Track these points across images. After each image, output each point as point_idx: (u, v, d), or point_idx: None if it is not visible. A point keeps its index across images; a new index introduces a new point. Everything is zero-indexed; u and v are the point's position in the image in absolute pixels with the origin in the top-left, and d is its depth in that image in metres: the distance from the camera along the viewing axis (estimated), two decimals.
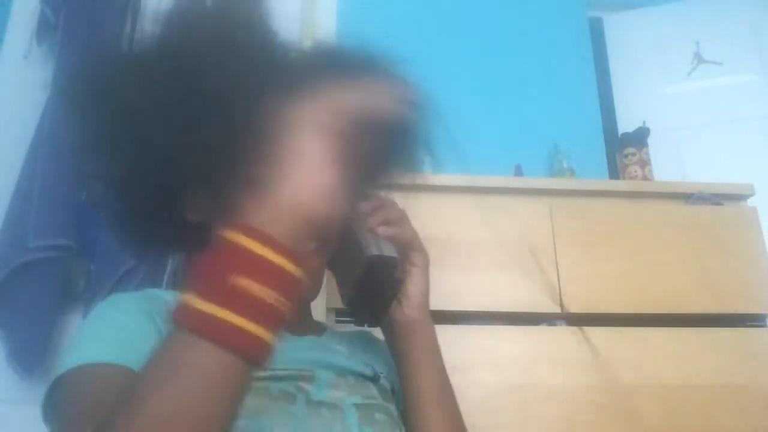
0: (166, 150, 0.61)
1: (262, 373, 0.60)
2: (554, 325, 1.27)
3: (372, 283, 0.68)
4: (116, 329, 0.60)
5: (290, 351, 0.66)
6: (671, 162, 2.18)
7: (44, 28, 1.57)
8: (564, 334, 1.25)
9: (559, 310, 1.27)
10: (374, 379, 0.73)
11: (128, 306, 0.63)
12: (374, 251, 0.67)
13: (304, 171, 0.44)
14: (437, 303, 1.27)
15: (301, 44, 0.72)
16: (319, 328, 0.81)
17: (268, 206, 0.43)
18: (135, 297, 0.67)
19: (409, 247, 0.73)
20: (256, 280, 0.40)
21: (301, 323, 0.77)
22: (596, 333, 1.25)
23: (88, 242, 1.39)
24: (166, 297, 0.68)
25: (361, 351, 0.78)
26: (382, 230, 0.69)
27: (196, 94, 0.59)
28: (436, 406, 0.71)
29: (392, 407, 0.71)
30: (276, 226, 0.42)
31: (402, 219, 0.72)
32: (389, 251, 0.68)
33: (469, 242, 1.29)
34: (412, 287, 0.73)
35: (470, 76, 2.04)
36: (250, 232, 0.41)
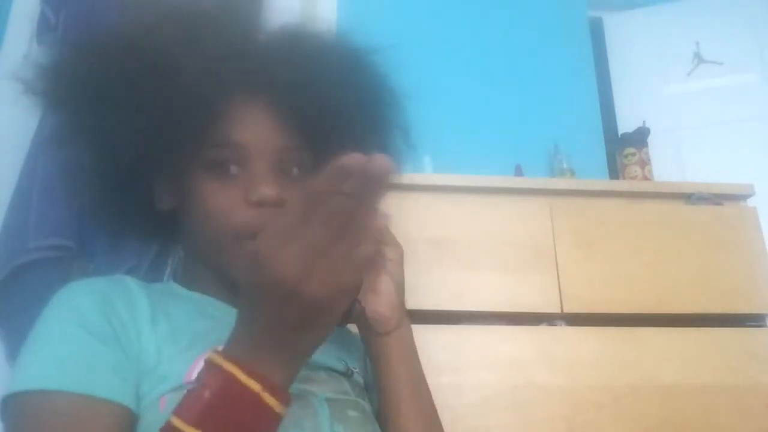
0: (131, 136, 0.63)
1: None
2: (554, 325, 1.27)
3: None
4: (77, 346, 0.57)
5: None
6: (671, 162, 2.18)
7: (44, 28, 1.57)
8: (564, 334, 1.25)
9: (559, 310, 1.27)
10: (347, 375, 0.70)
11: (85, 310, 0.59)
12: None
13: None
14: (437, 303, 1.28)
15: (272, 27, 0.72)
16: None
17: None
18: (93, 291, 0.63)
19: (381, 242, 0.69)
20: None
21: None
22: (596, 333, 1.25)
23: (88, 242, 1.39)
24: (132, 285, 0.65)
25: (335, 345, 0.74)
26: None
27: (156, 77, 0.62)
28: (410, 407, 0.68)
29: (365, 403, 0.69)
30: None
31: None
32: None
33: (469, 242, 1.29)
34: (383, 284, 0.68)
35: (470, 76, 2.04)
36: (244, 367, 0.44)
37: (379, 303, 0.68)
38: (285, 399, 0.45)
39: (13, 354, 1.34)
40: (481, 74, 2.06)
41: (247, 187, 0.64)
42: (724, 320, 1.30)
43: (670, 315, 1.29)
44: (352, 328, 0.75)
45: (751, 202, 1.45)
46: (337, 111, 0.69)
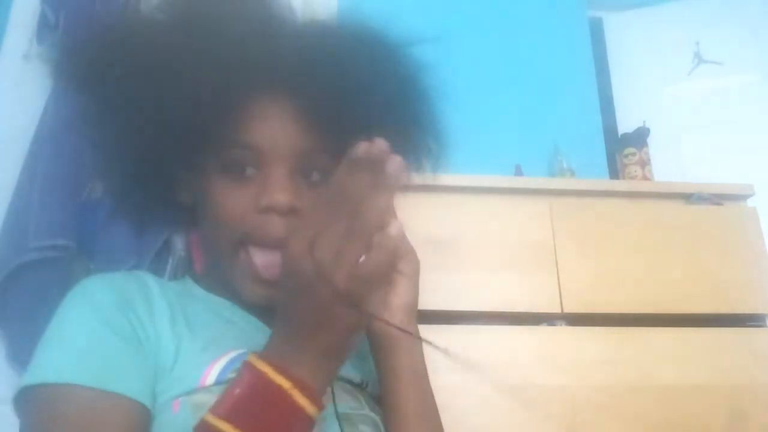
0: (150, 130, 0.62)
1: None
2: (554, 325, 1.27)
3: None
4: (96, 341, 0.56)
5: None
6: (671, 162, 2.18)
7: (44, 28, 1.57)
8: (564, 334, 1.25)
9: (559, 310, 1.27)
10: (362, 386, 0.67)
11: (105, 306, 0.59)
12: None
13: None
14: (438, 303, 1.28)
15: (301, 19, 0.70)
16: None
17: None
18: (112, 287, 0.62)
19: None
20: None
21: None
22: (596, 333, 1.25)
23: (88, 242, 1.39)
24: (151, 283, 0.65)
25: (353, 354, 0.72)
26: None
27: (177, 72, 0.60)
28: (418, 425, 0.64)
29: (378, 419, 0.66)
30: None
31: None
32: None
33: (469, 242, 1.29)
34: (396, 299, 0.65)
35: (470, 76, 2.04)
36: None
37: (388, 318, 0.65)
38: (317, 401, 0.46)
39: (13, 354, 1.34)
40: (481, 74, 2.06)
41: (260, 191, 0.62)
42: (724, 320, 1.30)
43: (670, 315, 1.29)
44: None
45: (751, 202, 1.45)
46: (363, 113, 0.65)
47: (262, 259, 0.62)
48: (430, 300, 1.27)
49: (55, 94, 1.45)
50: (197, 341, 0.60)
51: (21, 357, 1.32)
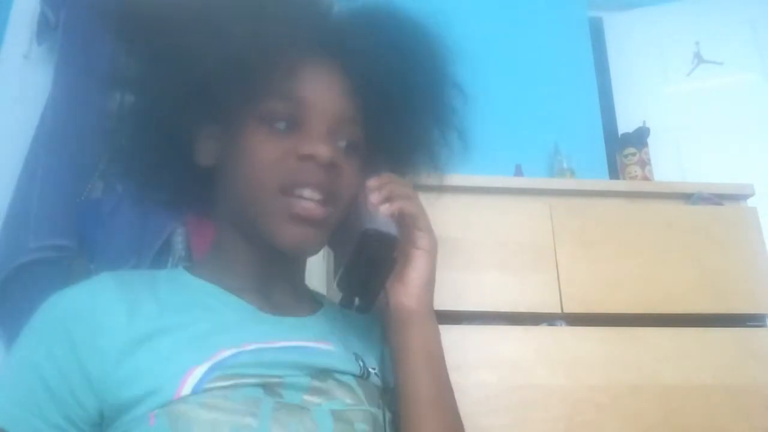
0: (195, 73, 0.62)
1: (224, 383, 0.56)
2: (554, 325, 1.27)
3: (364, 260, 0.64)
4: (22, 380, 0.57)
5: (263, 353, 0.60)
6: (671, 162, 2.18)
7: (44, 28, 1.57)
8: (564, 334, 1.25)
9: (559, 310, 1.27)
10: (363, 376, 0.66)
11: (44, 354, 0.57)
12: (370, 225, 0.63)
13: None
14: (437, 303, 1.27)
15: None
16: (311, 305, 0.74)
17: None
18: (56, 324, 0.59)
19: (413, 226, 0.67)
20: None
21: (291, 296, 0.71)
22: (596, 333, 1.25)
23: (88, 242, 1.39)
24: (107, 296, 0.61)
25: (356, 336, 0.71)
26: (383, 208, 0.64)
27: (230, 21, 0.62)
28: (431, 411, 0.64)
29: (379, 412, 0.65)
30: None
31: (408, 196, 0.68)
32: (388, 228, 0.64)
33: (469, 242, 1.29)
34: (412, 272, 0.66)
35: (470, 76, 2.04)
36: None
37: (405, 293, 0.66)
38: None
39: None
40: (480, 74, 2.06)
41: (300, 142, 0.63)
42: (724, 320, 1.30)
43: (670, 315, 1.29)
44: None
45: (751, 202, 1.45)
46: (402, 90, 0.68)
47: (301, 202, 0.63)
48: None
49: (55, 94, 1.45)
50: (177, 342, 0.58)
51: None
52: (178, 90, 0.64)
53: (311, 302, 0.75)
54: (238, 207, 0.67)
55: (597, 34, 2.45)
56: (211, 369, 0.56)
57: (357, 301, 0.67)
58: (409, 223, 0.67)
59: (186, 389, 0.54)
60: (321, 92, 0.65)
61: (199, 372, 0.56)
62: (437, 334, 0.68)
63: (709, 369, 1.24)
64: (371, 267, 0.64)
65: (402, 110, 0.71)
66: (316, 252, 0.68)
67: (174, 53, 0.62)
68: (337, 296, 0.77)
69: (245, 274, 0.68)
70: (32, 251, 1.33)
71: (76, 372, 0.56)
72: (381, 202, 0.65)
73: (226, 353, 0.58)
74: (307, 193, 0.62)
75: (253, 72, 0.63)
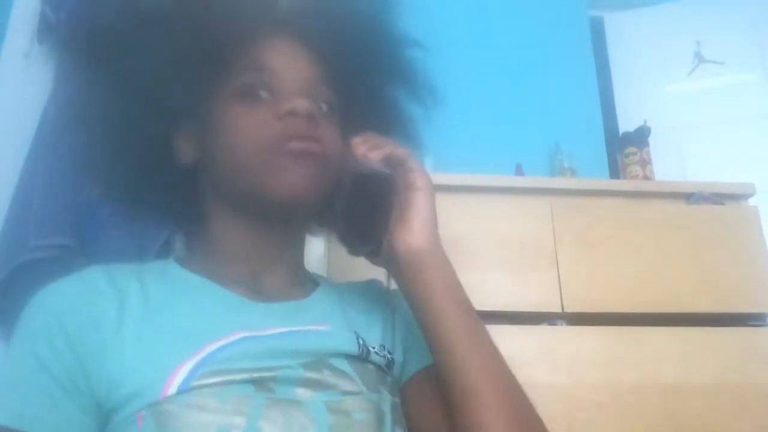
0: (163, 64, 0.66)
1: (212, 379, 0.55)
2: (555, 324, 1.27)
3: (363, 204, 0.63)
4: (20, 377, 0.56)
5: (251, 343, 0.59)
6: (672, 161, 2.18)
7: (44, 28, 1.57)
8: (564, 333, 1.25)
9: (559, 310, 1.27)
10: (361, 357, 0.63)
11: (39, 335, 0.58)
12: (363, 167, 0.63)
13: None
14: None
15: None
16: (308, 287, 0.73)
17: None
18: (53, 309, 0.60)
19: (405, 169, 0.66)
20: None
21: (286, 279, 0.70)
22: (597, 332, 1.25)
23: (88, 242, 1.39)
24: (100, 283, 0.61)
25: (356, 312, 0.69)
26: (373, 154, 0.64)
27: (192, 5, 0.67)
28: (468, 347, 0.61)
29: (381, 397, 0.62)
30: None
31: (393, 143, 0.67)
32: (380, 167, 0.64)
33: (469, 242, 1.29)
34: (414, 212, 0.64)
35: (470, 76, 2.04)
36: None
37: (411, 234, 0.64)
38: None
39: None
40: (481, 73, 2.06)
41: (277, 104, 0.64)
42: (724, 320, 1.30)
43: (670, 315, 1.29)
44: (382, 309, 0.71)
45: (752, 202, 1.45)
46: (358, 54, 0.72)
47: (293, 145, 0.63)
48: None
49: (55, 94, 1.45)
50: (163, 338, 0.58)
51: None
52: (150, 95, 0.66)
53: (309, 284, 0.74)
54: (229, 184, 0.67)
55: (598, 33, 2.45)
56: (198, 365, 0.55)
57: (364, 247, 0.65)
58: (399, 167, 0.66)
59: (172, 389, 0.54)
60: (288, 61, 0.68)
61: (185, 369, 0.55)
62: (451, 267, 0.66)
63: (710, 368, 1.24)
64: (371, 209, 0.64)
65: (364, 72, 0.73)
66: (315, 198, 0.66)
67: (137, 59, 0.65)
68: (337, 274, 0.76)
69: (237, 261, 0.68)
70: (33, 250, 1.32)
71: (77, 366, 0.56)
72: (369, 151, 0.65)
73: (213, 347, 0.57)
74: (295, 143, 0.63)
75: (223, 53, 0.66)
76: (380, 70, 0.75)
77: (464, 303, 0.65)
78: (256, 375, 0.57)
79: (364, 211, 0.64)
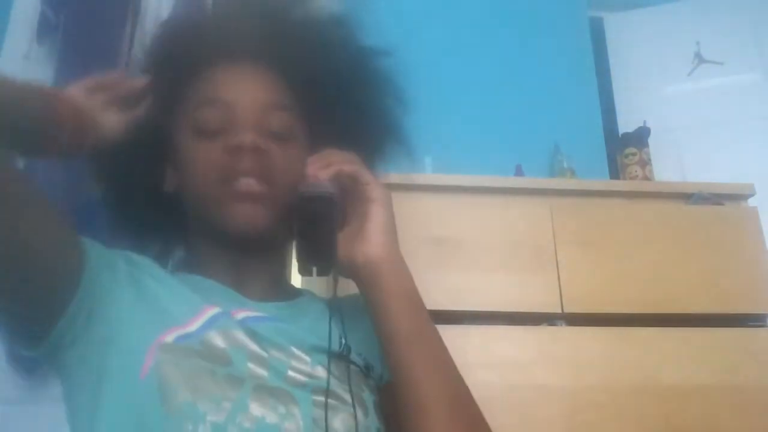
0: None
1: (217, 333, 0.61)
2: (554, 325, 1.27)
3: (308, 225, 0.64)
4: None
5: (247, 322, 0.64)
6: (672, 162, 2.18)
7: (45, 29, 1.57)
8: (564, 334, 1.25)
9: (559, 310, 1.27)
10: (341, 355, 0.66)
11: (120, 261, 0.69)
12: (305, 189, 0.65)
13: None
14: (437, 303, 1.27)
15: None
16: (289, 296, 0.75)
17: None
18: (113, 253, 0.71)
19: (358, 182, 0.67)
20: None
21: (266, 289, 0.73)
22: (596, 333, 1.25)
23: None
24: (130, 259, 0.70)
25: (339, 318, 0.69)
26: (322, 173, 0.66)
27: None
28: (415, 347, 0.63)
29: (363, 393, 0.66)
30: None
31: (346, 159, 0.68)
32: (324, 188, 0.65)
33: (469, 242, 1.29)
34: (370, 224, 0.65)
35: (470, 76, 2.04)
36: None
37: (368, 246, 0.65)
38: None
39: (13, 354, 1.34)
40: (481, 74, 2.06)
41: (227, 138, 0.68)
42: (724, 320, 1.30)
43: (670, 315, 1.29)
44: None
45: (751, 202, 1.45)
46: (321, 75, 0.74)
47: (240, 185, 0.66)
48: (430, 300, 1.26)
49: None
50: (175, 299, 0.65)
51: (21, 357, 1.32)
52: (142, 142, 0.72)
53: (293, 295, 0.77)
54: (197, 210, 0.72)
55: (598, 34, 2.45)
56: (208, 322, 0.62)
57: (315, 269, 0.67)
58: (352, 182, 0.67)
59: (150, 364, 0.58)
60: (241, 90, 0.71)
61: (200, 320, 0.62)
62: (412, 279, 0.67)
63: (710, 369, 1.24)
64: (317, 229, 0.65)
65: (328, 88, 0.75)
66: (266, 231, 0.68)
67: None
68: (320, 289, 0.78)
69: (219, 275, 0.71)
70: None
71: (97, 286, 0.64)
72: (319, 170, 0.66)
73: (217, 310, 0.64)
74: (242, 181, 0.66)
75: (181, 87, 0.71)
76: (344, 82, 0.76)
77: (416, 308, 0.67)
78: (248, 353, 0.62)
79: (310, 232, 0.65)
